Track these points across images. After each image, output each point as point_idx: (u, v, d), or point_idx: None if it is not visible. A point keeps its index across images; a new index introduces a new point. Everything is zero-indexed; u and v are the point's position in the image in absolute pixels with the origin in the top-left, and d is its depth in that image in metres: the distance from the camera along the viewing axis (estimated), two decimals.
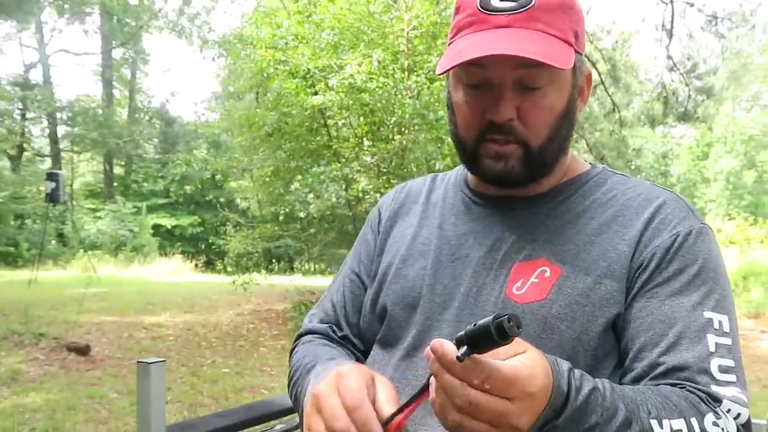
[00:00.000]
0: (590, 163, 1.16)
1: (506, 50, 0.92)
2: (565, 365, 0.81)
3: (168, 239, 24.82)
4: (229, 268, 16.37)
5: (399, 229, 1.20)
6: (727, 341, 0.92)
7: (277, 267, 18.98)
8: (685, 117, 18.16)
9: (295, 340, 1.23)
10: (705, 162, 29.27)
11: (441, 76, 1.12)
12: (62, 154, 29.25)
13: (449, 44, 1.04)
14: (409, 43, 9.14)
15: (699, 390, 0.89)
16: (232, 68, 16.06)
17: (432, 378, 0.75)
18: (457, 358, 0.70)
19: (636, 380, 0.94)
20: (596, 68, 15.93)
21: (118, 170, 30.03)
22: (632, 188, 1.07)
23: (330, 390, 0.84)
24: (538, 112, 1.00)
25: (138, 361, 1.82)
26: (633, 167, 25.19)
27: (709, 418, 0.85)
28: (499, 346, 0.69)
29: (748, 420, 0.89)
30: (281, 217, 11.45)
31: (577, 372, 0.82)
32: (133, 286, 14.23)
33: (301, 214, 10.20)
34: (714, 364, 0.90)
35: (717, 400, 0.88)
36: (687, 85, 15.61)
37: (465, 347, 0.70)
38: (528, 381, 0.72)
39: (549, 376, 0.76)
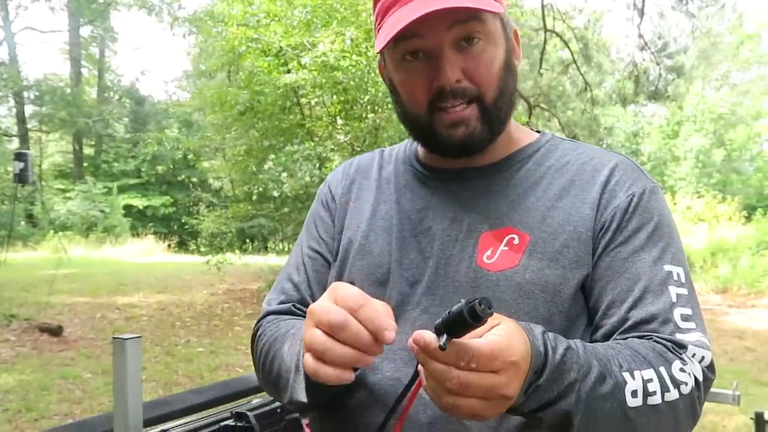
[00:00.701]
0: (537, 131, 1.17)
1: (442, 4, 0.92)
2: (538, 329, 0.84)
3: (140, 220, 24.59)
4: (202, 249, 16.29)
5: (355, 205, 1.18)
6: (685, 291, 0.98)
7: (251, 247, 18.92)
8: (655, 96, 18.36)
9: (256, 324, 1.17)
10: (675, 141, 29.55)
11: None
12: (30, 133, 28.75)
13: (378, 28, 1.03)
14: None
15: (665, 339, 0.93)
16: (203, 46, 15.85)
17: (420, 367, 0.78)
18: (440, 347, 0.73)
19: (606, 336, 0.97)
20: (568, 47, 16.00)
21: (87, 150, 29.62)
22: (584, 153, 1.10)
23: (326, 301, 0.84)
24: (483, 65, 1.00)
25: (113, 337, 1.81)
26: (604, 145, 25.40)
27: (677, 364, 0.90)
28: (474, 329, 0.73)
29: (712, 362, 0.95)
30: (255, 197, 11.42)
31: (550, 334, 0.85)
32: (105, 267, 14.12)
33: (275, 194, 10.17)
34: (677, 314, 0.95)
35: (682, 346, 0.93)
36: (658, 64, 15.75)
37: (444, 335, 0.73)
38: (509, 351, 0.76)
39: (527, 342, 0.79)
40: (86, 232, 21.15)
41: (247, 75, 10.11)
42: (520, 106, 16.80)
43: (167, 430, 2.04)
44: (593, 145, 1.16)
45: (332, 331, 0.81)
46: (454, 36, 0.98)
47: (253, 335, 1.15)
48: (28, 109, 28.59)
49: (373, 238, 1.12)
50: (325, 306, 0.83)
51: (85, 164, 28.41)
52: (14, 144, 27.80)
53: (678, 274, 0.99)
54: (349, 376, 0.83)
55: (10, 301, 8.69)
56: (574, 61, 16.02)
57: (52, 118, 27.43)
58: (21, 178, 13.98)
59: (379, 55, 1.10)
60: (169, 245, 21.57)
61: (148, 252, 19.52)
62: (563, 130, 19.34)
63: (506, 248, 1.00)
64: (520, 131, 1.15)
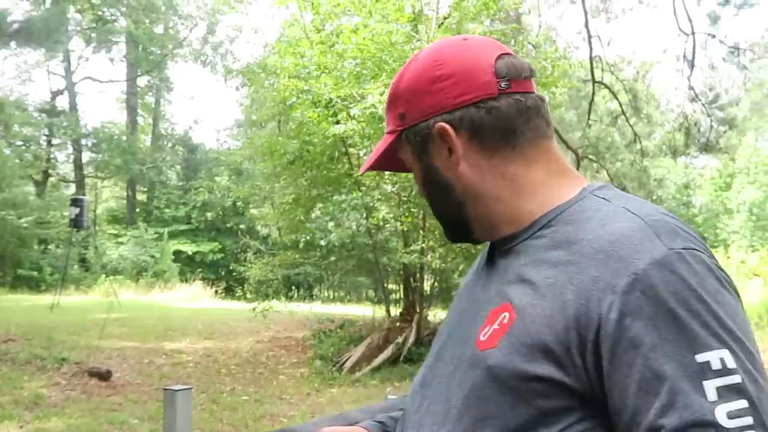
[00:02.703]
0: (587, 185, 1.04)
1: (365, 166, 1.19)
2: None
3: (189, 265, 24.94)
4: (249, 295, 16.41)
5: None
6: (734, 379, 0.79)
7: (296, 294, 19.01)
8: (707, 147, 18.09)
9: None
10: (727, 193, 29.01)
11: None
12: (86, 179, 29.63)
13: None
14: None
15: None
16: (255, 97, 16.24)
17: None
18: None
19: None
20: (617, 98, 15.95)
21: (140, 196, 30.35)
22: (593, 221, 0.95)
23: None
24: (419, 186, 1.15)
25: (164, 388, 1.84)
26: (655, 197, 25.06)
27: None
28: None
29: None
30: (301, 245, 11.50)
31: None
32: (154, 311, 14.31)
33: (322, 242, 10.24)
34: (720, 414, 0.77)
35: None
36: (709, 115, 15.58)
37: None
38: None
39: None
40: (136, 277, 21.52)
41: (297, 125, 10.29)
42: (568, 158, 16.75)
43: None
44: (633, 202, 0.97)
45: None
46: None
47: None
48: (85, 156, 29.53)
49: None
50: None
51: (137, 210, 29.08)
52: (71, 189, 28.65)
53: (722, 360, 0.80)
54: None
55: (62, 344, 8.85)
56: (623, 113, 15.97)
57: (108, 165, 28.25)
58: (76, 223, 14.39)
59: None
60: (216, 291, 21.80)
61: (195, 297, 19.74)
62: (612, 182, 19.14)
63: (497, 327, 0.95)
64: (551, 190, 1.03)
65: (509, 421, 0.90)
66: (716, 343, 0.80)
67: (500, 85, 1.02)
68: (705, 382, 0.78)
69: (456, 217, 1.09)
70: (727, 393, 0.78)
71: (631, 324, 0.83)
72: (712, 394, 0.78)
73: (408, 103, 1.08)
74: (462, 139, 1.03)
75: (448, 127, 1.03)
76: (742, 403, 0.78)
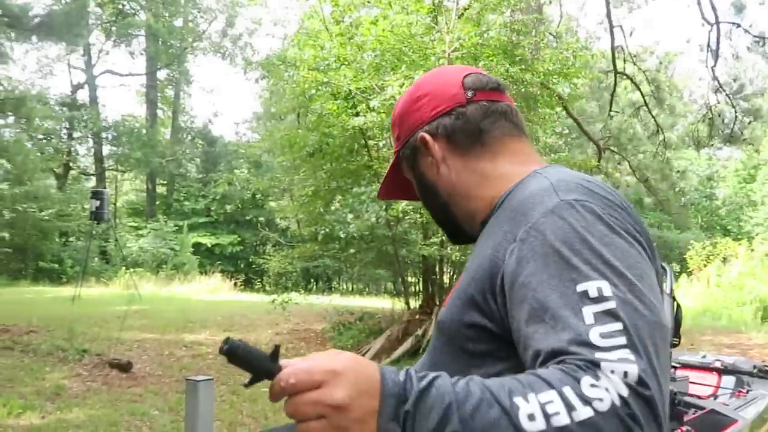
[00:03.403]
0: (539, 167, 1.19)
1: (381, 196, 1.47)
2: (404, 369, 0.88)
3: (208, 258, 25.08)
4: (268, 287, 16.46)
5: None
6: (609, 305, 0.87)
7: (315, 287, 19.06)
8: (731, 139, 17.88)
9: None
10: (752, 185, 28.67)
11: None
12: (107, 173, 29.83)
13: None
14: (450, 65, 9.15)
15: (577, 359, 0.84)
16: (274, 89, 16.26)
17: None
18: (244, 385, 0.93)
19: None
20: (639, 89, 15.78)
21: (160, 189, 30.52)
22: (518, 191, 1.13)
23: None
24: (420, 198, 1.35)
25: (186, 378, 1.84)
26: (677, 189, 24.81)
27: (586, 380, 0.81)
28: (240, 367, 0.90)
29: (640, 376, 0.82)
30: (320, 237, 11.50)
31: (422, 372, 0.88)
32: (174, 303, 14.40)
33: (341, 234, 10.24)
34: (593, 334, 0.85)
35: (595, 364, 0.83)
36: (733, 106, 15.36)
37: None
38: (325, 362, 0.84)
39: (363, 364, 0.86)
40: (156, 269, 21.67)
41: (317, 117, 10.28)
42: (590, 150, 16.60)
43: None
44: (557, 172, 1.12)
45: None
46: None
47: None
48: (106, 149, 29.72)
49: None
50: None
51: (157, 202, 29.25)
52: (91, 182, 28.87)
53: (599, 289, 0.88)
54: None
55: (83, 336, 8.92)
56: (646, 104, 15.79)
57: (128, 158, 28.41)
58: (97, 216, 14.51)
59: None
60: (235, 283, 21.90)
61: (215, 290, 19.85)
62: (634, 174, 18.97)
63: (453, 292, 1.15)
64: (512, 177, 1.18)
65: (450, 366, 1.02)
66: (595, 275, 0.90)
67: (467, 95, 1.22)
68: (583, 308, 0.88)
69: (445, 217, 1.30)
70: (603, 317, 0.87)
71: (525, 266, 0.96)
72: (589, 318, 0.87)
73: (400, 125, 1.31)
74: (440, 144, 1.24)
75: (427, 136, 1.24)
76: (617, 326, 0.86)
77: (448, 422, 0.81)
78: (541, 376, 0.84)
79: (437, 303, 9.87)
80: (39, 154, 24.82)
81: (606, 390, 0.80)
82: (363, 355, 9.03)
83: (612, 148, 18.26)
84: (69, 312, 11.36)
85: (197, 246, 24.95)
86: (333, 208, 10.84)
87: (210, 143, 31.04)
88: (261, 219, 26.40)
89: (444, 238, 9.20)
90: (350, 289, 22.79)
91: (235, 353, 0.88)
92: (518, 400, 0.81)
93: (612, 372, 0.82)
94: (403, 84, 8.56)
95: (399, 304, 11.16)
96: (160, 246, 22.94)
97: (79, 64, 30.43)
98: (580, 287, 0.90)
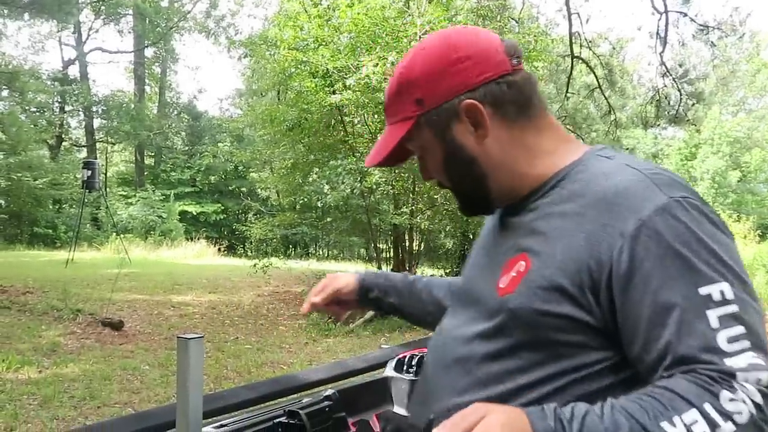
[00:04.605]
0: (589, 148, 1.08)
1: (370, 162, 1.15)
2: (549, 407, 0.84)
3: (193, 225, 24.88)
4: (250, 253, 16.39)
5: None
6: (732, 308, 0.84)
7: (293, 253, 19.01)
8: (675, 120, 18.06)
9: None
10: (693, 162, 29.02)
11: None
12: (97, 144, 29.37)
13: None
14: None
15: (710, 370, 0.81)
16: (255, 67, 16.07)
17: None
18: None
19: (650, 371, 0.88)
20: (594, 73, 15.82)
21: (148, 160, 30.11)
22: (599, 176, 0.99)
23: None
24: (432, 168, 1.14)
25: (178, 336, 1.81)
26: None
27: (725, 395, 0.79)
28: None
29: None
30: (299, 207, 11.47)
31: (567, 407, 0.84)
32: (162, 267, 14.29)
33: (319, 204, 10.22)
34: (721, 339, 0.82)
35: (730, 374, 0.81)
36: (679, 90, 15.45)
37: None
38: (473, 410, 0.85)
39: (506, 422, 0.83)
40: (145, 236, 21.44)
41: (296, 94, 10.18)
42: None
43: (226, 424, 2.03)
44: (628, 161, 1.00)
45: None
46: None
47: None
48: (96, 122, 29.25)
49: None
50: None
51: (145, 173, 28.88)
52: (83, 154, 28.40)
53: (721, 292, 0.84)
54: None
55: (76, 297, 8.82)
56: (599, 86, 15.83)
57: (117, 131, 28.01)
58: (88, 185, 14.27)
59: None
60: (219, 249, 21.77)
61: (200, 255, 19.71)
62: None
63: (515, 274, 1.01)
64: (559, 154, 1.07)
65: (534, 355, 0.97)
66: (717, 277, 0.85)
67: (512, 63, 1.05)
68: (708, 312, 0.84)
69: (476, 189, 1.11)
70: (727, 320, 0.83)
71: (641, 265, 0.88)
72: (714, 322, 0.83)
73: (427, 87, 1.06)
74: (487, 112, 1.05)
75: (477, 102, 1.04)
76: (740, 329, 0.83)
77: None
78: (679, 393, 0.81)
79: (407, 268, 9.91)
80: (32, 126, 24.35)
81: (743, 402, 0.79)
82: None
83: (568, 126, 18.35)
84: (63, 274, 11.22)
85: (183, 214, 24.72)
86: (311, 179, 10.80)
87: (195, 118, 30.62)
88: (243, 189, 26.17)
89: (414, 208, 9.21)
90: (326, 255, 22.77)
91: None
92: (665, 425, 0.79)
93: (746, 381, 0.80)
94: (377, 64, 8.50)
95: (371, 269, 11.19)
96: (148, 214, 22.68)
97: (70, 42, 29.71)
98: (703, 290, 0.85)
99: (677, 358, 0.84)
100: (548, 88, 21.07)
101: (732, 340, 0.82)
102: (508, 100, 1.05)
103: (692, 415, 0.79)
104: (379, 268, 10.74)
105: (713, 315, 0.83)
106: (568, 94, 15.99)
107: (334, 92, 9.17)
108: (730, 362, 0.81)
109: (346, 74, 8.97)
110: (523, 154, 1.07)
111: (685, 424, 0.78)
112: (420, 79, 1.07)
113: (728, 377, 0.81)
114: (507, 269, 1.03)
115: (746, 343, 0.82)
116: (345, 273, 1.53)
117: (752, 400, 0.79)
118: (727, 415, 0.78)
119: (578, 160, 1.04)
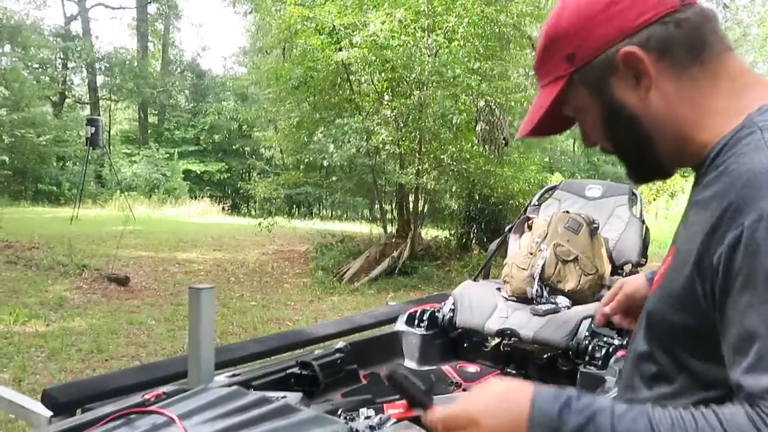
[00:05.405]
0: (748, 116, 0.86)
1: (522, 133, 1.02)
2: (567, 391, 0.82)
3: (197, 183, 24.86)
4: (253, 212, 16.38)
5: None
6: None
7: (297, 212, 19.02)
8: None
9: None
10: None
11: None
12: (101, 102, 29.19)
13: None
14: (430, 4, 8.94)
15: None
16: (260, 24, 15.84)
17: None
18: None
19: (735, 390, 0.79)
20: None
21: (152, 118, 29.97)
22: (738, 162, 0.82)
23: None
24: (591, 132, 1.00)
25: (190, 287, 1.80)
26: None
27: None
28: (398, 393, 1.02)
29: None
30: (303, 166, 11.41)
31: (587, 397, 0.82)
32: (166, 225, 14.31)
33: (324, 163, 10.16)
34: None
35: None
36: None
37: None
38: (470, 407, 0.86)
39: (505, 398, 0.84)
40: (149, 193, 21.43)
41: (301, 52, 10.03)
42: None
43: (239, 373, 2.03)
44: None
45: None
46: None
47: None
48: (99, 80, 29.03)
49: None
50: None
51: (149, 131, 28.77)
52: (86, 111, 28.25)
53: None
54: None
55: (81, 253, 8.84)
56: None
57: (121, 88, 27.82)
58: (92, 142, 14.18)
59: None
60: (223, 208, 21.77)
61: (204, 213, 19.70)
62: None
63: (662, 270, 0.93)
64: (724, 118, 0.88)
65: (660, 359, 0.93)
66: None
67: None
68: None
69: (642, 155, 0.95)
70: None
71: (735, 280, 0.76)
72: None
73: (577, 39, 0.91)
74: (651, 60, 0.87)
75: (636, 49, 0.87)
76: None
77: None
78: (724, 425, 0.74)
79: (412, 228, 9.90)
80: (35, 82, 24.16)
81: None
82: (344, 273, 9.09)
83: None
84: (68, 230, 11.22)
85: (187, 172, 24.67)
86: (316, 138, 10.71)
87: (198, 76, 30.36)
88: (247, 148, 26.10)
89: (420, 168, 9.15)
90: (330, 215, 22.78)
91: (396, 382, 1.00)
92: None
93: None
94: (384, 21, 8.37)
95: (376, 229, 11.18)
96: (152, 171, 22.64)
97: None
98: None
99: (747, 394, 0.75)
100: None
101: None
102: (679, 43, 0.87)
103: None
104: (385, 228, 10.73)
105: None
106: None
107: (340, 50, 9.05)
108: None
109: (352, 31, 8.84)
110: (688, 114, 0.89)
111: None
112: (569, 32, 0.92)
113: None
114: (664, 260, 0.95)
115: None
116: (634, 275, 1.30)
117: None
118: None
119: (738, 130, 0.86)
